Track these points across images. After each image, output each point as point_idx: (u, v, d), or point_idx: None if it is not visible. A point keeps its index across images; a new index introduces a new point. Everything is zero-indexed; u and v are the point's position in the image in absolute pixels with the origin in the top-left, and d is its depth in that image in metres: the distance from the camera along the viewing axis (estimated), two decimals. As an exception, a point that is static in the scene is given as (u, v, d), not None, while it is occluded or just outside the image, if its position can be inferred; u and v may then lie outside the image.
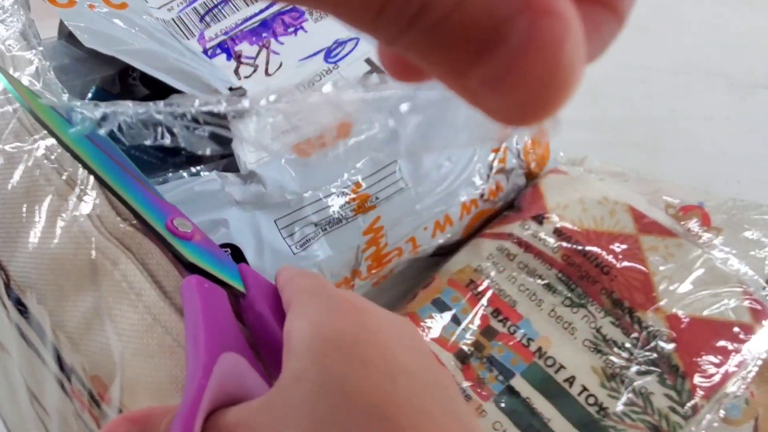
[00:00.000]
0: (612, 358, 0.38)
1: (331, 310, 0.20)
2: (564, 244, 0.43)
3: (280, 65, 0.40)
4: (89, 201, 0.29)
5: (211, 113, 0.36)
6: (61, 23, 0.42)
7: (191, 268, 0.25)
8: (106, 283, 0.28)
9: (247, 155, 0.36)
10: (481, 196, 0.44)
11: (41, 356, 0.34)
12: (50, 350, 0.32)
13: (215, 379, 0.19)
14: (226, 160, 0.37)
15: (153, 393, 0.27)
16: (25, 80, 0.32)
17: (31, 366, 0.35)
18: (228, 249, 0.34)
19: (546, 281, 0.42)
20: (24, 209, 0.31)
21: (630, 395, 0.36)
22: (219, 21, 0.40)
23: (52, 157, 0.31)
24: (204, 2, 0.41)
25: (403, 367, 0.18)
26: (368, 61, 0.41)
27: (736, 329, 0.37)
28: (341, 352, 0.18)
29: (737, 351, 0.37)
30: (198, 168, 0.35)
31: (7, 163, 0.31)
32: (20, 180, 0.31)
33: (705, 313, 0.38)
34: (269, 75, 0.40)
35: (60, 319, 0.30)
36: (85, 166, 0.25)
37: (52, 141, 0.30)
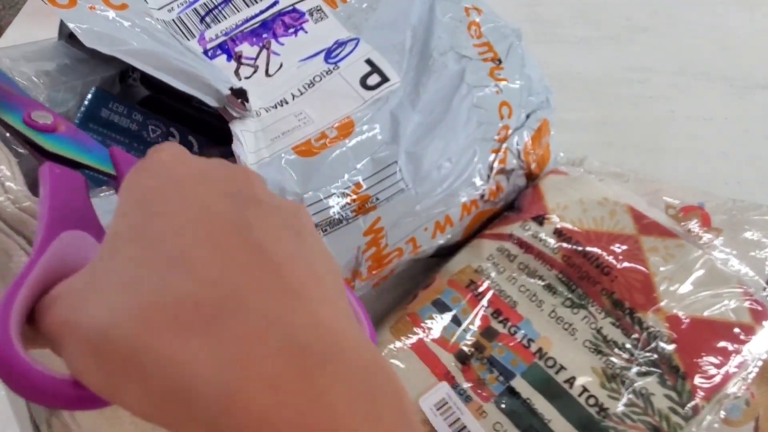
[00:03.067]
0: (612, 358, 0.38)
1: (147, 173, 0.20)
2: (564, 244, 0.43)
3: (281, 66, 0.40)
4: None
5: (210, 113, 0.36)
6: (62, 24, 0.42)
7: (55, 159, 0.25)
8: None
9: (247, 156, 0.36)
10: (482, 196, 0.44)
11: None
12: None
13: (51, 255, 0.19)
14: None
15: None
16: None
17: None
18: None
19: (546, 282, 0.42)
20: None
21: (630, 396, 0.36)
22: (219, 22, 0.40)
23: None
24: (204, 3, 0.41)
25: (211, 216, 0.18)
26: (368, 61, 0.41)
27: (736, 330, 0.37)
28: (143, 206, 0.18)
29: (738, 352, 0.37)
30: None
31: None
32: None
33: (705, 313, 0.38)
34: (269, 76, 0.40)
35: None
36: None
37: None
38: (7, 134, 0.27)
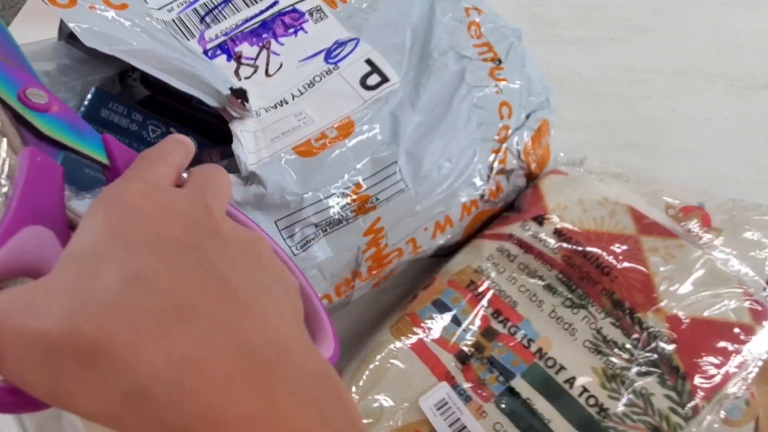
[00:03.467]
0: (612, 359, 0.38)
1: (113, 200, 0.20)
2: (564, 244, 0.43)
3: (281, 66, 0.40)
4: None
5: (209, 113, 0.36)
6: (62, 24, 0.42)
7: (46, 141, 0.24)
8: None
9: (247, 156, 0.36)
10: (482, 196, 0.44)
11: None
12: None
13: (11, 248, 0.19)
14: (226, 161, 0.37)
15: None
16: None
17: None
18: None
19: (546, 282, 0.42)
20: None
21: (630, 396, 0.36)
22: (219, 22, 0.40)
23: None
24: (204, 3, 0.41)
25: (168, 236, 0.19)
26: (368, 61, 0.41)
27: (736, 330, 0.37)
28: (104, 228, 0.19)
29: (738, 352, 0.37)
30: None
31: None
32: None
33: (705, 313, 0.38)
34: (269, 76, 0.40)
35: None
36: None
37: None
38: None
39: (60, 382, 0.16)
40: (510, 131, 0.45)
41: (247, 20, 0.41)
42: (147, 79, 0.45)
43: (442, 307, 0.42)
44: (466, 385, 0.38)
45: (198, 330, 0.17)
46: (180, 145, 0.25)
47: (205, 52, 0.39)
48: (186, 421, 0.16)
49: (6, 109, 0.24)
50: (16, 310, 0.17)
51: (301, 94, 0.39)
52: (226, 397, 0.16)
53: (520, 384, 0.38)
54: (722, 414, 0.36)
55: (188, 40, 0.40)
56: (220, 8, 0.41)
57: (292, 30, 0.41)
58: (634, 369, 0.37)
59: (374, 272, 0.41)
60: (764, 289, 0.39)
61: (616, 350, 0.38)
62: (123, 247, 0.18)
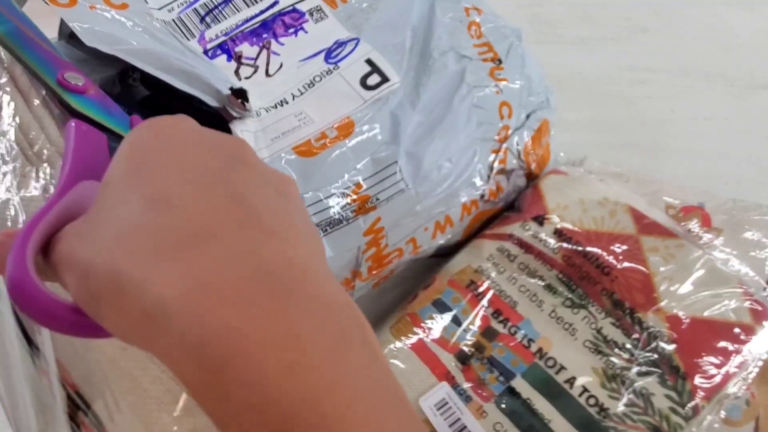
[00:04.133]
0: (612, 358, 0.38)
1: (146, 131, 0.21)
2: (564, 244, 0.43)
3: (281, 66, 0.40)
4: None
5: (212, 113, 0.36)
6: (62, 24, 0.42)
7: (82, 119, 0.27)
8: None
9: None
10: (482, 196, 0.44)
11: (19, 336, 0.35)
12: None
13: (68, 199, 0.21)
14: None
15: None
16: None
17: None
18: None
19: (546, 282, 0.42)
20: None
21: (631, 396, 0.36)
22: (219, 22, 0.40)
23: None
24: (204, 3, 0.41)
25: (202, 172, 0.19)
26: (368, 61, 0.41)
27: (736, 330, 0.37)
28: (137, 157, 0.20)
29: (738, 352, 0.37)
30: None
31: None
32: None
33: (705, 313, 0.38)
34: (269, 76, 0.40)
35: None
36: None
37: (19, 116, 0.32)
38: (43, 91, 0.30)
39: (96, 299, 0.17)
40: (510, 131, 0.45)
41: (247, 20, 0.41)
42: (147, 79, 0.45)
43: (442, 307, 0.42)
44: (467, 385, 0.38)
45: (216, 253, 0.17)
46: None
47: (206, 52, 0.39)
48: (201, 341, 0.16)
49: (49, 91, 0.27)
50: (71, 236, 0.19)
51: (302, 94, 0.39)
52: (242, 318, 0.16)
53: (520, 384, 0.38)
54: (722, 414, 0.36)
55: (188, 40, 0.40)
56: (220, 8, 0.41)
57: (292, 30, 0.41)
58: (635, 369, 0.37)
59: (374, 272, 0.41)
60: (764, 289, 0.39)
61: (616, 350, 0.38)
62: (150, 172, 0.19)
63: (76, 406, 0.33)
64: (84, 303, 0.18)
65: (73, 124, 0.25)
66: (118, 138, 0.27)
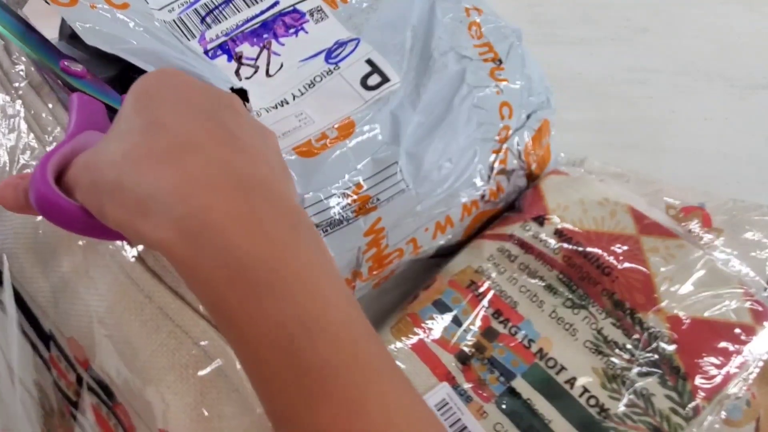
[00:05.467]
0: (613, 359, 0.38)
1: (152, 76, 0.26)
2: (565, 245, 0.43)
3: (281, 66, 0.40)
4: None
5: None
6: (63, 23, 0.42)
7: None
8: (80, 246, 0.32)
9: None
10: (482, 197, 0.44)
11: (20, 325, 0.35)
12: (25, 316, 0.36)
13: (76, 141, 0.26)
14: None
15: (124, 347, 0.30)
16: None
17: (5, 336, 0.36)
18: None
19: (547, 282, 0.42)
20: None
21: (631, 396, 0.36)
22: (220, 22, 0.40)
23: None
24: (205, 3, 0.41)
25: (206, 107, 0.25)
26: (369, 61, 0.41)
27: (737, 330, 0.37)
28: (142, 95, 0.25)
29: (738, 352, 0.37)
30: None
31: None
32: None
33: (706, 314, 0.38)
34: (270, 76, 0.40)
35: (36, 285, 0.33)
36: None
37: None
38: (45, 76, 0.35)
39: (100, 196, 0.22)
40: (510, 131, 0.45)
41: (247, 20, 0.41)
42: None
43: (442, 307, 0.42)
44: (467, 386, 0.38)
45: (201, 159, 0.22)
46: None
47: (206, 53, 0.39)
48: (182, 215, 0.20)
49: (54, 75, 0.33)
50: (82, 160, 0.24)
51: (302, 94, 0.39)
52: (214, 200, 0.21)
53: (520, 384, 0.38)
54: (723, 414, 0.36)
55: (189, 40, 0.40)
56: (220, 8, 0.41)
57: (292, 30, 0.41)
58: (635, 369, 0.37)
59: (375, 273, 0.41)
60: (765, 289, 0.39)
61: (616, 350, 0.38)
62: (152, 105, 0.24)
63: (88, 387, 0.34)
64: (90, 203, 0.23)
65: (75, 95, 0.30)
66: (115, 111, 0.32)
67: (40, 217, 0.33)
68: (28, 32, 0.34)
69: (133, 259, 0.31)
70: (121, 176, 0.22)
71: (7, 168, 0.35)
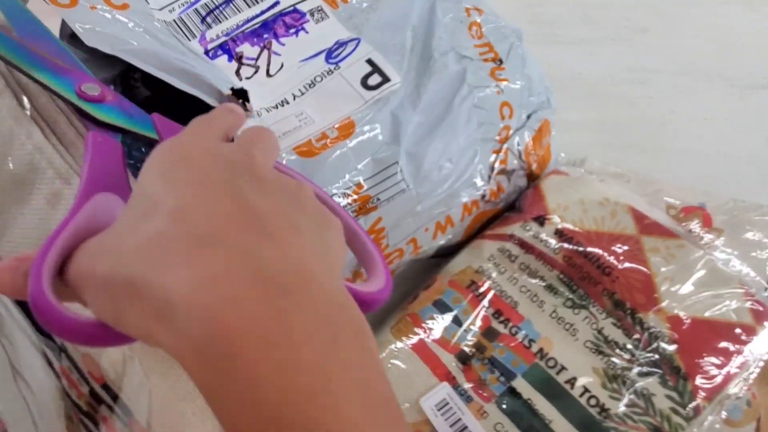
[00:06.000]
0: (613, 359, 0.38)
1: (166, 149, 0.23)
2: (565, 245, 0.43)
3: (281, 66, 0.40)
4: None
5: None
6: (63, 25, 0.42)
7: (104, 126, 0.28)
8: None
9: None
10: (483, 197, 0.44)
11: (26, 331, 0.35)
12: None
13: (85, 213, 0.22)
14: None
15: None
16: None
17: (14, 340, 0.36)
18: None
19: (547, 282, 0.42)
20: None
21: (631, 396, 0.36)
22: (220, 22, 0.40)
23: None
24: (205, 3, 0.41)
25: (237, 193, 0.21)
26: (369, 61, 0.41)
27: (737, 330, 0.37)
28: (156, 175, 0.22)
29: (739, 352, 0.37)
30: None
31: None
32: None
33: (706, 314, 0.38)
34: (270, 76, 0.40)
35: None
36: None
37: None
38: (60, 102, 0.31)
39: (116, 305, 0.19)
40: (511, 131, 0.45)
41: (248, 20, 0.41)
42: (148, 80, 0.45)
43: (443, 307, 0.42)
44: (467, 386, 0.38)
45: (219, 255, 0.18)
46: (229, 113, 0.27)
47: (206, 53, 0.39)
48: (202, 340, 0.17)
49: (68, 105, 0.28)
50: (89, 254, 0.21)
51: (302, 94, 0.39)
52: (240, 317, 0.17)
53: (521, 384, 0.38)
54: (723, 414, 0.36)
55: (189, 40, 0.39)
56: (221, 9, 0.41)
57: (293, 30, 0.41)
58: (635, 369, 0.37)
59: (375, 272, 0.41)
60: (765, 289, 0.39)
61: (617, 350, 0.38)
62: (167, 188, 0.21)
63: (99, 400, 0.33)
64: (103, 311, 0.19)
65: (89, 136, 0.26)
66: (142, 138, 0.29)
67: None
68: (36, 57, 0.30)
69: None
70: (135, 279, 0.19)
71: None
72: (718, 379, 0.36)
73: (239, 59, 0.40)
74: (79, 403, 0.36)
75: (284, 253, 0.19)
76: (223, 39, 0.40)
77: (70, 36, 0.42)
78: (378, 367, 0.19)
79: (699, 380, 0.36)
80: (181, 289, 0.18)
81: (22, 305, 0.35)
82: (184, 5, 0.40)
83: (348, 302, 0.20)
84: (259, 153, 0.23)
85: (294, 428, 0.17)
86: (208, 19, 0.40)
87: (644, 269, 0.41)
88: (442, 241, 0.44)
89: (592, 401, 0.37)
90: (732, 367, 0.36)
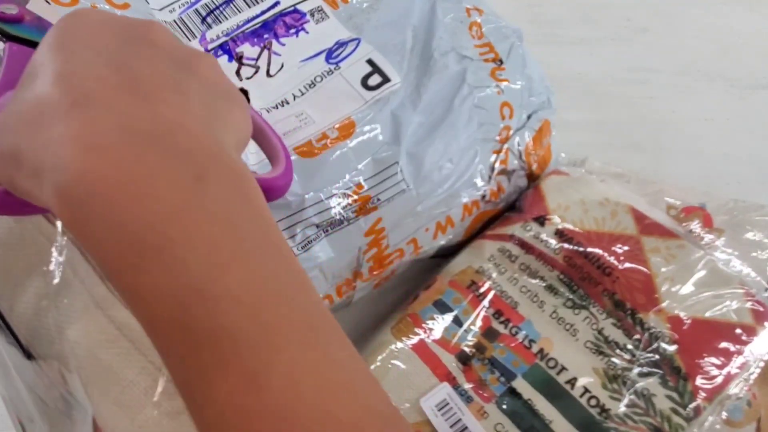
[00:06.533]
0: (614, 359, 0.38)
1: (68, 18, 0.23)
2: (565, 245, 0.43)
3: (282, 66, 0.40)
4: None
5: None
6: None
7: (23, 42, 0.29)
8: (49, 266, 0.30)
9: (248, 156, 0.36)
10: (483, 197, 0.44)
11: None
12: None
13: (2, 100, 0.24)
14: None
15: (95, 382, 0.29)
16: None
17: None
18: None
19: (547, 282, 0.42)
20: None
21: (632, 397, 0.36)
22: (220, 22, 0.40)
23: None
24: (206, 4, 0.41)
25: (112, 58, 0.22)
26: (369, 61, 0.41)
27: (738, 331, 0.37)
28: (54, 41, 0.22)
29: (739, 352, 0.37)
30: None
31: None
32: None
33: (707, 314, 0.38)
34: (270, 76, 0.40)
35: (11, 305, 0.32)
36: None
37: None
38: None
39: (10, 177, 0.21)
40: (511, 132, 0.45)
41: (248, 20, 0.41)
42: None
43: (443, 307, 0.42)
44: (468, 386, 0.38)
45: (89, 113, 0.19)
46: None
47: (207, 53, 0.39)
48: (67, 185, 0.18)
49: None
50: None
51: (303, 94, 0.39)
52: (101, 161, 0.19)
53: (521, 384, 0.38)
54: (724, 415, 0.36)
55: (190, 40, 0.40)
56: (221, 9, 0.41)
57: (293, 30, 0.41)
58: (636, 370, 0.37)
59: (375, 273, 0.41)
60: (766, 289, 0.39)
61: (617, 351, 0.38)
62: (58, 54, 0.21)
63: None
64: (3, 180, 0.21)
65: (7, 45, 0.28)
66: None
67: (1, 232, 0.31)
68: None
69: (104, 289, 0.29)
70: (17, 141, 0.20)
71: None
72: (719, 380, 0.36)
73: (239, 59, 0.40)
74: (58, 404, 0.36)
75: (156, 111, 0.20)
76: (223, 39, 0.40)
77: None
78: (254, 209, 0.20)
79: (699, 380, 0.36)
80: (50, 148, 0.19)
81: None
82: (184, 5, 0.40)
83: (224, 154, 0.21)
84: (159, 27, 0.24)
85: (153, 247, 0.18)
86: (209, 20, 0.40)
87: (645, 269, 0.40)
88: (442, 241, 0.44)
89: (593, 401, 0.37)
90: (732, 367, 0.36)
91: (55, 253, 0.30)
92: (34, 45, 0.28)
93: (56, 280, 0.30)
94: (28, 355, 0.33)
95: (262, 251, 0.20)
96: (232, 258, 0.19)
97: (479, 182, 0.43)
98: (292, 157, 0.37)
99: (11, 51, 0.27)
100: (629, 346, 0.38)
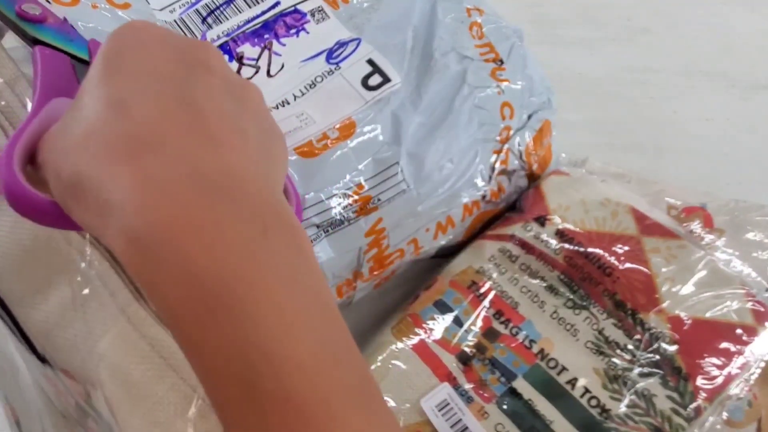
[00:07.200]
0: (614, 359, 0.38)
1: (117, 37, 0.23)
2: (566, 245, 0.43)
3: (282, 66, 0.40)
4: None
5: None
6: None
7: (45, 47, 0.29)
8: (76, 276, 0.29)
9: (249, 157, 0.36)
10: (483, 197, 0.44)
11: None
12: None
13: (45, 112, 0.23)
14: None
15: (122, 397, 0.28)
16: None
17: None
18: None
19: (548, 283, 0.42)
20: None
21: (632, 397, 0.36)
22: (221, 23, 0.40)
23: None
24: (206, 4, 0.41)
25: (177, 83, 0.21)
26: (370, 62, 0.41)
27: (738, 331, 0.37)
28: (108, 63, 0.22)
29: (740, 353, 0.37)
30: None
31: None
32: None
33: (707, 314, 0.38)
34: (271, 76, 0.40)
35: (25, 311, 0.31)
36: None
37: None
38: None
39: (64, 196, 0.20)
40: (512, 132, 0.45)
41: (248, 21, 0.41)
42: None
43: (443, 307, 0.42)
44: (468, 386, 0.38)
45: (161, 157, 0.19)
46: None
47: (207, 53, 0.39)
48: (138, 231, 0.18)
49: (9, 24, 0.29)
50: (46, 144, 0.22)
51: (303, 94, 0.39)
52: (172, 208, 0.18)
53: (521, 385, 0.38)
54: (724, 415, 0.36)
55: (190, 40, 0.40)
56: (221, 9, 0.41)
57: (293, 30, 0.41)
58: (636, 370, 0.37)
59: (376, 273, 0.41)
60: (766, 290, 0.39)
61: (617, 351, 0.38)
62: (116, 75, 0.21)
63: (86, 413, 0.33)
64: (59, 199, 0.21)
65: (37, 50, 0.27)
66: (80, 62, 0.29)
67: (26, 238, 0.30)
68: None
69: (135, 301, 0.28)
70: (79, 175, 0.19)
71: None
72: (719, 380, 0.36)
73: (240, 59, 0.40)
74: (69, 410, 0.35)
75: (222, 156, 0.20)
76: (223, 39, 0.40)
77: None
78: (309, 263, 0.21)
79: (700, 381, 0.36)
80: (119, 187, 0.19)
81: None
82: (184, 5, 0.40)
83: (281, 205, 0.21)
84: (214, 51, 0.24)
85: (223, 304, 0.18)
86: (209, 20, 0.40)
87: (645, 270, 0.40)
88: (442, 241, 0.44)
89: (593, 402, 0.37)
90: (733, 367, 0.36)
91: (84, 265, 0.29)
92: (55, 50, 0.28)
93: (86, 291, 0.29)
94: (42, 359, 0.33)
95: (318, 310, 0.20)
96: (295, 319, 0.19)
97: (480, 182, 0.43)
98: (293, 158, 0.37)
99: (43, 55, 0.27)
100: (630, 347, 0.38)
